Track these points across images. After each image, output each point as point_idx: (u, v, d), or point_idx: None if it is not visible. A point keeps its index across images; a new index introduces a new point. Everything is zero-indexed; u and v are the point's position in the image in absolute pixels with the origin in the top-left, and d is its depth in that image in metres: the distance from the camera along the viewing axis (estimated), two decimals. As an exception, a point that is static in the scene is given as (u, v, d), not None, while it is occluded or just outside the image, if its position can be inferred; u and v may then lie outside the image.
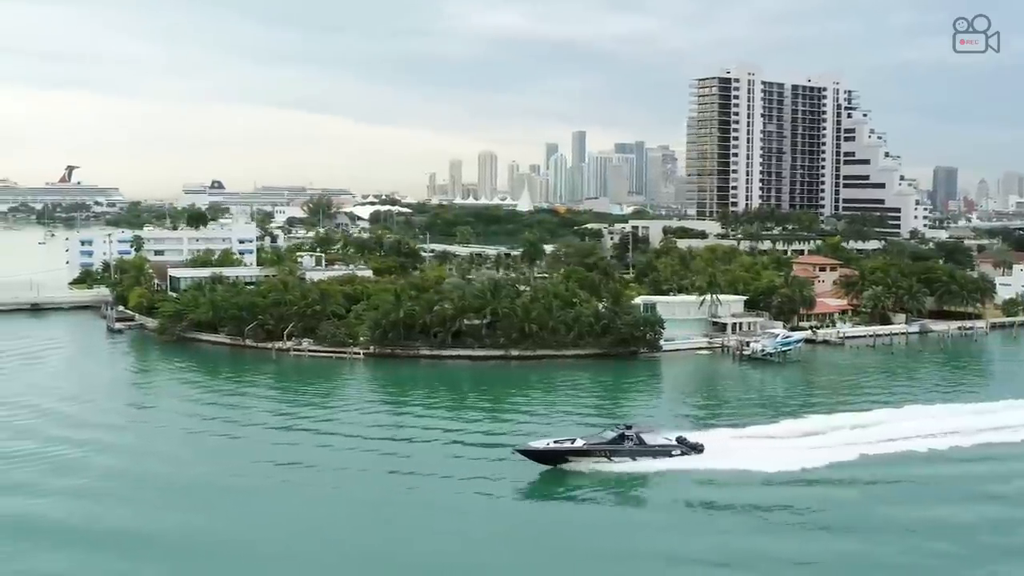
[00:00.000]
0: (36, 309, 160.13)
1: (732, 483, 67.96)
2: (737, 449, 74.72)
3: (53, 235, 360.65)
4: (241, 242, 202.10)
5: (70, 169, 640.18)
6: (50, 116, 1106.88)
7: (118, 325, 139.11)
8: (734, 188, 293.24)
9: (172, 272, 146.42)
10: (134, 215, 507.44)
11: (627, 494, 67.73)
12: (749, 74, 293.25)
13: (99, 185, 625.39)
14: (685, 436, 74.27)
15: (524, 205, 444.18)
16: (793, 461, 71.54)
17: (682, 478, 68.77)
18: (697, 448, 72.29)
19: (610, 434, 72.31)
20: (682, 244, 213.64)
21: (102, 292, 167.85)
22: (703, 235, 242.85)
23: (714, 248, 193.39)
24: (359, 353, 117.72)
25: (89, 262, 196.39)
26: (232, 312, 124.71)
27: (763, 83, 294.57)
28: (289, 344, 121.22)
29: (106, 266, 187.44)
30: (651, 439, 72.07)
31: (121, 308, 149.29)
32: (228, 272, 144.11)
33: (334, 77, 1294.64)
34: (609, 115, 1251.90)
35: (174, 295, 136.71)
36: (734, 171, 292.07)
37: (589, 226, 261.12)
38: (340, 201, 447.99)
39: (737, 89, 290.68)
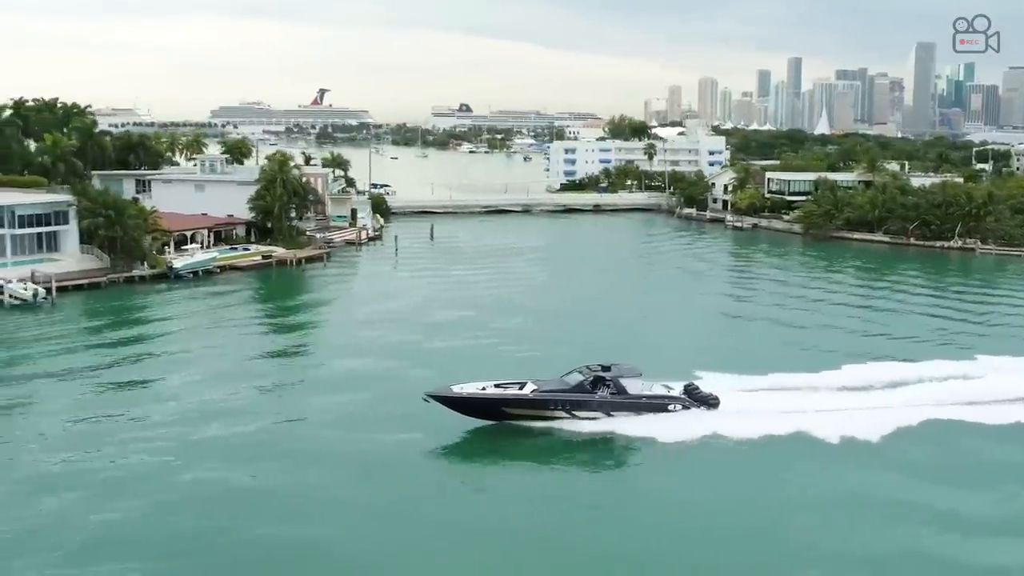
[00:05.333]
0: (598, 210, 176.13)
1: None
2: None
3: (381, 153, 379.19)
4: (711, 153, 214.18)
5: (321, 92, 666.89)
6: (241, 44, 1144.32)
7: (742, 224, 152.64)
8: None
9: (771, 175, 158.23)
10: (406, 135, 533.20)
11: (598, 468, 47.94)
12: None
13: (348, 108, 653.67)
14: (697, 384, 53.23)
15: (822, 128, 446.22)
16: None
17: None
18: (710, 401, 51.48)
19: (576, 377, 51.13)
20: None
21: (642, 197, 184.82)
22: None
23: None
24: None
25: (572, 170, 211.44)
26: (899, 212, 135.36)
27: None
28: (959, 243, 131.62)
29: (607, 172, 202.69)
30: (637, 387, 51.09)
31: (687, 210, 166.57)
32: (832, 176, 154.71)
33: (514, 1, 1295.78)
34: (805, 42, 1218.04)
35: (806, 197, 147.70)
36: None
37: (992, 147, 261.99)
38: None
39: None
